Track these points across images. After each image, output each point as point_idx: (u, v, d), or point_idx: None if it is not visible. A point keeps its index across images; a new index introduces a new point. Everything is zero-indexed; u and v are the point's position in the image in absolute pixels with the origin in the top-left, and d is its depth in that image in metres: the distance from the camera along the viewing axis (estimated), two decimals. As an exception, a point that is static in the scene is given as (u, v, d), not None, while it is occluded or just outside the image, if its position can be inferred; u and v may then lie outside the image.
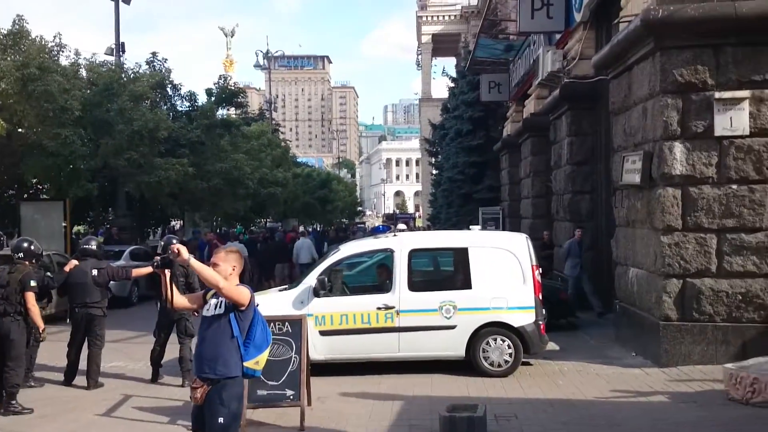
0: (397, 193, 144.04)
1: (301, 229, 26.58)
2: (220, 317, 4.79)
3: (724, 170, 9.07)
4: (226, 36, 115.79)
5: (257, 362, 4.86)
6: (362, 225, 57.68)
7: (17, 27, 18.75)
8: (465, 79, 30.16)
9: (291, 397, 7.14)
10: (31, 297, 7.97)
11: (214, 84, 27.69)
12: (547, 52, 14.96)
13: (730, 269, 9.09)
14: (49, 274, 9.31)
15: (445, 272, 10.14)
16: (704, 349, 9.15)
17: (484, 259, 9.24)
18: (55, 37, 20.31)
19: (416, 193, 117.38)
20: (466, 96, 29.42)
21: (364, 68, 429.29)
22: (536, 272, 9.21)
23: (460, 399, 7.90)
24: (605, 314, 13.31)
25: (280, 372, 7.10)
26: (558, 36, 16.14)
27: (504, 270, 9.18)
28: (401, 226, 12.80)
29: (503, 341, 9.10)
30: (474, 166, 28.86)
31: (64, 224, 19.02)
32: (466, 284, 9.21)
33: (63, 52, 20.61)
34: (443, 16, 57.50)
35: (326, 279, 9.17)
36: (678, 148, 9.15)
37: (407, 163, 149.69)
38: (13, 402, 7.76)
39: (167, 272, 4.84)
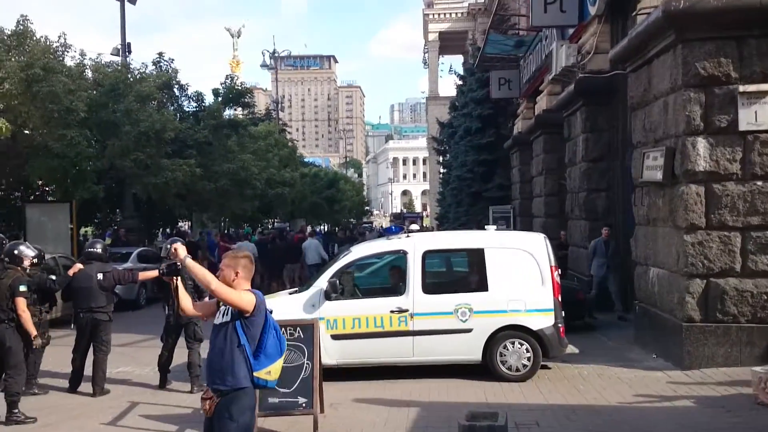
0: (405, 193, 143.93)
1: (309, 229, 26.27)
2: (227, 325, 4.55)
3: (748, 166, 8.78)
4: (233, 37, 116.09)
5: (269, 372, 4.58)
6: (369, 225, 57.27)
7: (21, 27, 18.61)
8: (474, 76, 29.82)
9: (303, 404, 6.87)
10: (21, 303, 7.75)
11: (221, 84, 27.52)
12: (561, 47, 14.64)
13: (755, 268, 8.81)
14: (52, 276, 9.09)
15: (461, 274, 9.86)
16: (728, 351, 8.88)
17: (501, 260, 8.96)
18: (59, 37, 20.23)
19: (423, 192, 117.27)
20: (476, 93, 29.09)
21: (370, 67, 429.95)
22: (555, 273, 8.92)
23: (478, 405, 7.63)
24: (625, 318, 13.01)
25: (292, 379, 6.83)
26: (571, 30, 15.83)
27: (521, 271, 8.90)
28: (414, 226, 12.47)
29: (521, 345, 8.83)
30: (484, 164, 28.54)
31: (70, 226, 18.93)
32: (482, 286, 8.93)
33: (68, 52, 20.52)
34: (450, 13, 57.28)
35: (338, 281, 8.91)
36: (701, 144, 8.85)
37: (414, 162, 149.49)
38: (15, 411, 7.51)
39: (175, 279, 4.64)
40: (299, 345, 7.02)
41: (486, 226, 10.35)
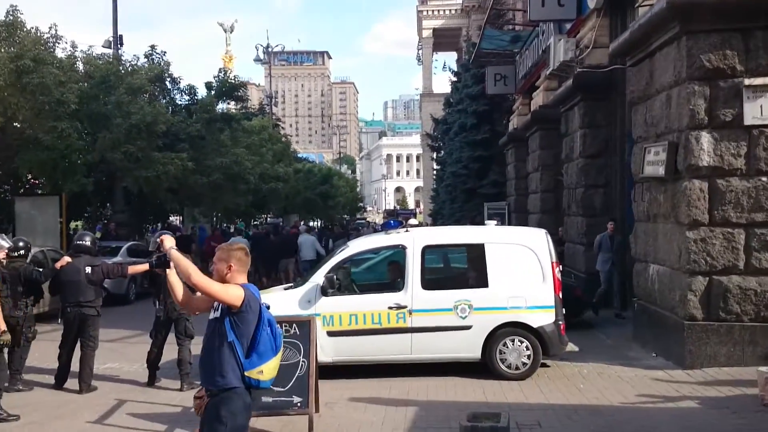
0: (398, 189, 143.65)
1: (302, 225, 26.00)
2: (218, 321, 4.31)
3: (753, 161, 8.60)
4: (226, 32, 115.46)
5: (261, 372, 4.30)
6: (362, 221, 56.98)
7: (11, 18, 18.27)
8: (469, 72, 29.64)
9: (299, 404, 6.64)
10: None
11: (214, 77, 27.20)
12: (559, 41, 14.44)
13: (759, 266, 8.65)
14: (39, 269, 8.82)
15: (460, 270, 9.65)
16: (731, 351, 8.72)
17: (502, 255, 8.76)
18: (50, 28, 19.92)
19: (417, 189, 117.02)
20: (471, 89, 28.90)
21: (363, 64, 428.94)
22: (557, 269, 8.72)
23: (478, 405, 7.45)
24: (622, 315, 12.87)
25: (287, 377, 6.57)
26: (569, 25, 15.64)
27: (522, 267, 8.70)
28: (413, 221, 12.29)
29: (521, 342, 8.64)
30: (478, 160, 28.36)
31: (60, 220, 18.68)
32: (483, 282, 8.73)
33: (59, 44, 20.21)
34: (444, 10, 57.21)
35: (335, 277, 8.68)
36: (705, 138, 8.66)
37: (408, 159, 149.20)
38: (-2, 408, 7.26)
39: (168, 271, 4.42)
40: (295, 342, 6.80)
41: (486, 221, 10.16)
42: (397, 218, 41.44)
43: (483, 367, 8.72)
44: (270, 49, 49.28)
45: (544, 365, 9.05)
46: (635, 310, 10.92)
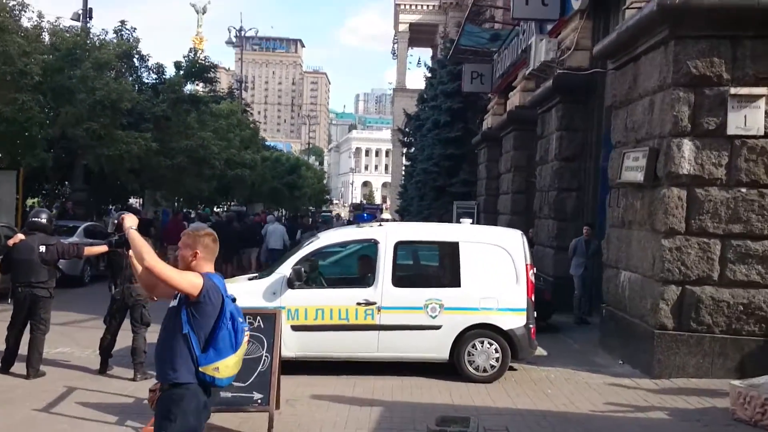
0: (365, 184, 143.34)
1: (270, 215, 25.51)
2: (175, 310, 3.97)
3: (734, 172, 8.51)
4: (198, 13, 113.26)
5: (217, 369, 3.93)
6: (328, 214, 56.44)
7: (-27, -18, 17.46)
8: (445, 68, 29.42)
9: (259, 401, 6.30)
10: None
11: (184, 57, 26.50)
12: (541, 41, 14.27)
13: (733, 278, 8.57)
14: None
15: (433, 267, 9.42)
16: (700, 362, 8.65)
17: (476, 255, 8.52)
18: (16, -5, 19.01)
19: (384, 185, 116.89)
20: (446, 86, 28.70)
21: (337, 55, 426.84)
22: (530, 272, 8.51)
23: (445, 407, 7.22)
24: (586, 321, 12.79)
25: (248, 372, 6.20)
26: (550, 26, 15.49)
27: (496, 268, 8.47)
28: (386, 215, 11.98)
29: (491, 345, 8.41)
30: (450, 158, 28.20)
31: (16, 196, 17.99)
32: (455, 281, 8.48)
33: (25, 12, 19.31)
34: (422, 5, 57.09)
35: (302, 269, 8.32)
36: (687, 146, 8.54)
37: (377, 154, 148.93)
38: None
39: (130, 251, 4.16)
40: (258, 336, 6.45)
41: (461, 220, 9.92)
42: (363, 212, 41.14)
43: (450, 368, 8.48)
44: (243, 33, 48.46)
45: (511, 368, 8.86)
46: (603, 316, 10.80)
